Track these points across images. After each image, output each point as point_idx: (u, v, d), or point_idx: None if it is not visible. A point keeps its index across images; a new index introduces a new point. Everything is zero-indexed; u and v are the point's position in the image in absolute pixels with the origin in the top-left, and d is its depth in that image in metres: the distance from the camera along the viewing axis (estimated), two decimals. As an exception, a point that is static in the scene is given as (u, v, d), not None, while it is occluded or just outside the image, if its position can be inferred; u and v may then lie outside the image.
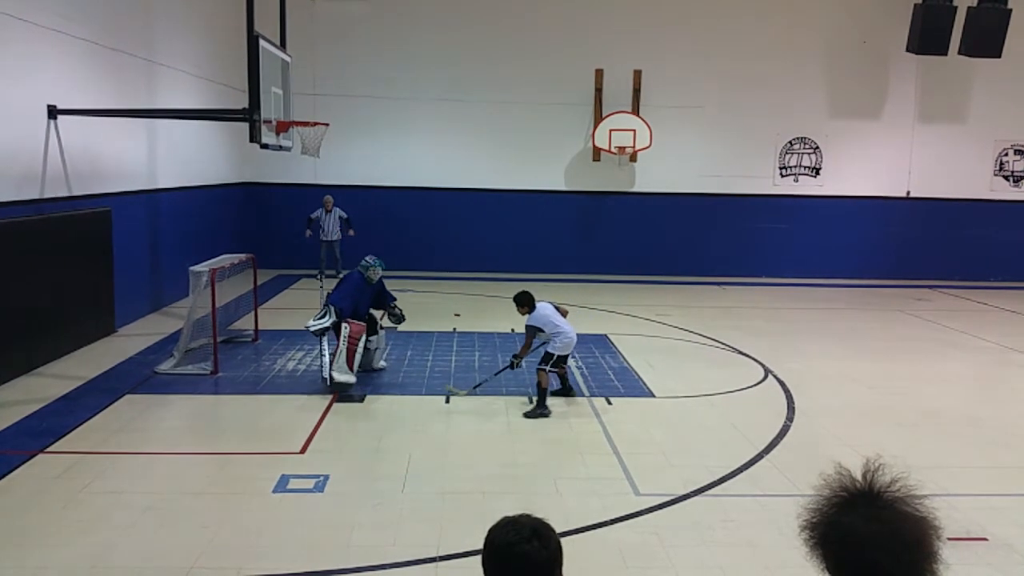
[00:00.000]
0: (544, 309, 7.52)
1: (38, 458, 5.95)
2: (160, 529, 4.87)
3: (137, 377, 8.18)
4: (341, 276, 9.39)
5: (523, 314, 7.59)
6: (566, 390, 7.76)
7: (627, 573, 4.46)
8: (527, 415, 7.19)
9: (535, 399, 7.39)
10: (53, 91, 8.76)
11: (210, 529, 4.88)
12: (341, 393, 7.70)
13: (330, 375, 7.69)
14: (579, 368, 8.90)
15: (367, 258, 8.36)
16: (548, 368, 7.31)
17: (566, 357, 7.50)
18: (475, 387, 7.86)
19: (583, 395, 7.92)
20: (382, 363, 8.73)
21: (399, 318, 8.65)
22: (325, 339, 7.83)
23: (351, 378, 7.74)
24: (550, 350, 7.39)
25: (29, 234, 8.22)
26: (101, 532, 4.80)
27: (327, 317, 7.75)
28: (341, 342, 7.77)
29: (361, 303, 8.10)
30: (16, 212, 8.08)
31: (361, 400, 7.63)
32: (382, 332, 8.62)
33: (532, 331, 7.44)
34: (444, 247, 16.12)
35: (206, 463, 6.14)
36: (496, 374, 8.02)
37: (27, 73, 8.33)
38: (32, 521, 4.93)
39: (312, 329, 7.76)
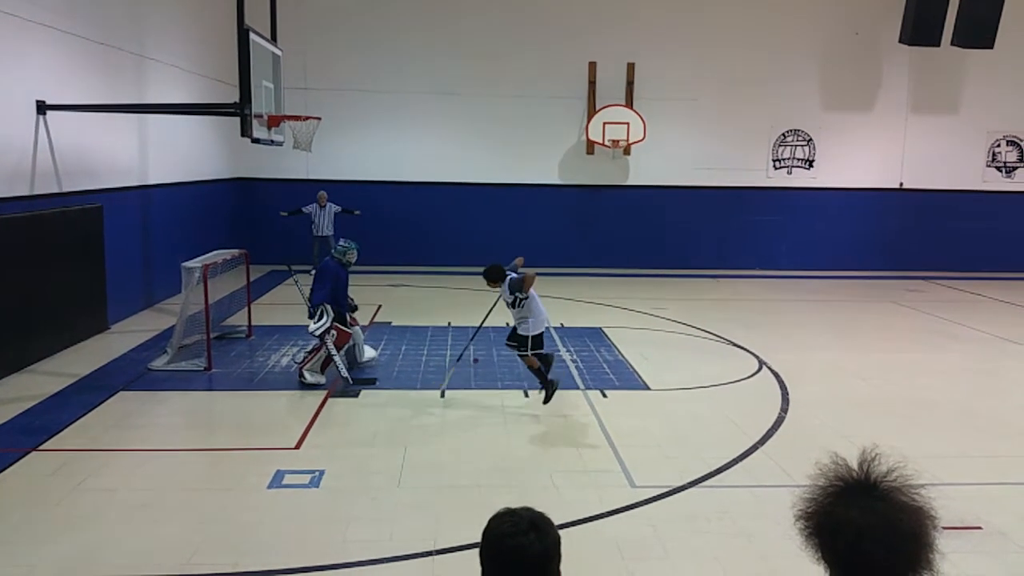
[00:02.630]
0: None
1: (31, 456, 5.92)
2: (155, 526, 4.84)
3: (130, 374, 8.15)
4: (314, 266, 9.24)
5: (495, 287, 7.34)
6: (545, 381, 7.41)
7: (623, 565, 4.47)
8: (546, 402, 7.13)
9: (541, 389, 7.23)
10: (42, 86, 8.69)
11: (205, 526, 4.86)
12: (337, 388, 7.69)
13: (302, 373, 7.83)
14: (574, 361, 8.90)
15: (341, 242, 8.36)
16: (531, 352, 7.18)
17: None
18: (457, 359, 7.96)
19: (578, 388, 7.91)
20: (369, 353, 8.70)
21: (352, 308, 8.61)
22: (328, 338, 7.85)
23: (322, 379, 7.83)
24: (526, 333, 7.17)
25: (20, 231, 8.16)
26: (95, 529, 4.78)
27: (324, 317, 7.77)
28: (325, 346, 7.79)
29: (339, 289, 8.10)
30: (6, 209, 8.02)
31: (356, 395, 7.62)
32: (356, 328, 8.58)
33: (518, 283, 7.12)
34: (437, 242, 16.09)
35: (200, 459, 6.12)
36: (477, 330, 8.02)
37: (15, 68, 8.26)
38: (25, 519, 4.90)
39: (316, 333, 7.79)
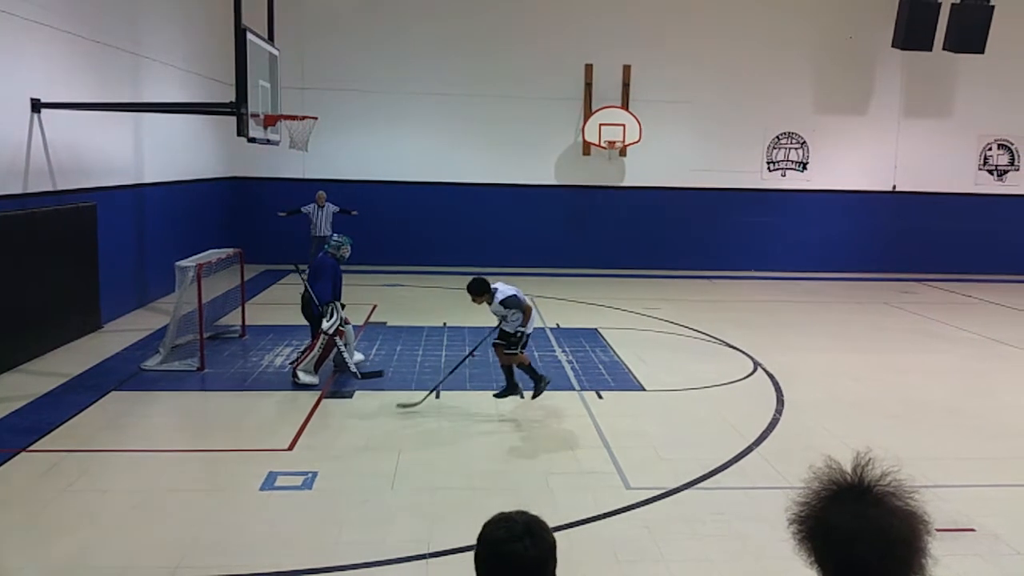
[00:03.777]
0: (506, 286, 7.14)
1: (22, 456, 5.88)
2: (146, 527, 4.82)
3: (123, 374, 8.11)
4: (310, 265, 9.12)
5: (480, 303, 7.12)
6: (512, 388, 7.28)
7: (619, 567, 4.46)
8: (535, 396, 7.13)
9: (536, 386, 7.17)
10: (36, 84, 8.65)
11: (197, 527, 4.84)
12: (330, 388, 7.67)
13: (295, 374, 7.81)
14: (570, 362, 8.90)
15: (335, 237, 8.35)
16: (520, 349, 7.12)
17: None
18: (440, 383, 7.64)
19: (573, 389, 7.90)
20: (358, 356, 8.68)
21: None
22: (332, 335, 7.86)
23: (315, 379, 7.81)
24: (518, 331, 7.10)
25: (13, 229, 8.11)
26: (86, 530, 4.75)
27: (335, 314, 7.78)
28: (318, 345, 7.77)
29: (338, 286, 8.11)
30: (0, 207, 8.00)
31: (350, 396, 7.60)
32: (348, 327, 8.58)
33: (516, 302, 7.01)
34: (433, 242, 16.07)
35: (193, 460, 6.10)
36: (466, 358, 7.91)
37: (9, 66, 8.21)
38: (16, 520, 4.87)
39: (330, 331, 7.80)
